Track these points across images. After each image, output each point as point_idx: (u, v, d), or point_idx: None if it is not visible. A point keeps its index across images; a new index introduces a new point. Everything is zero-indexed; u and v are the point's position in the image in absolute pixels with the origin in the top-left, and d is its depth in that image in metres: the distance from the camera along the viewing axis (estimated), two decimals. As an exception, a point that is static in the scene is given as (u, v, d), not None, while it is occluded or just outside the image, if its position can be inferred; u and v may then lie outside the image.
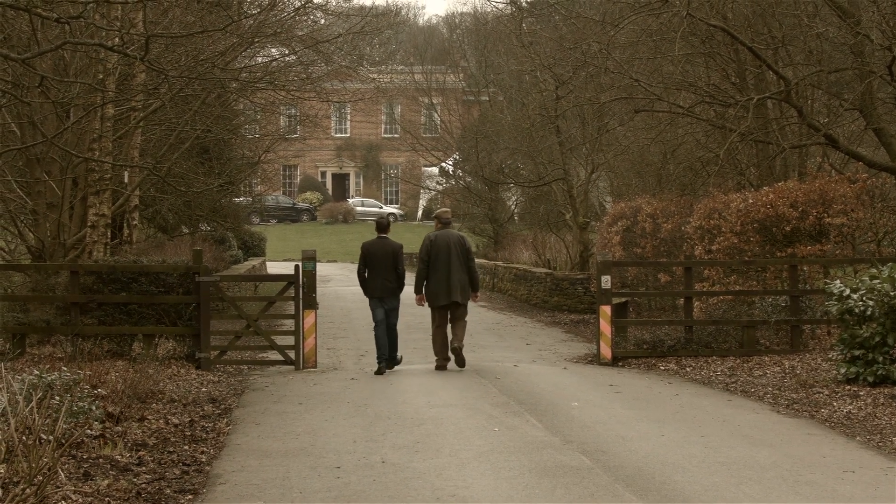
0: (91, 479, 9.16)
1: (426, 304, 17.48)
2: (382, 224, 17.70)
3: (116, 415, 11.61)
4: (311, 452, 10.78)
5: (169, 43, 19.67)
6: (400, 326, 17.69)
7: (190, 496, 9.10)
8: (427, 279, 17.36)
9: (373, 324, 17.43)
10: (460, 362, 17.13)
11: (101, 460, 9.87)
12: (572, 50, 24.00)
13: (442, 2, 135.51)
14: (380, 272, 17.29)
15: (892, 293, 14.13)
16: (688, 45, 20.61)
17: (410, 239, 47.84)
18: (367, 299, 17.73)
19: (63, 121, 19.08)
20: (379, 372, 16.93)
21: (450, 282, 17.22)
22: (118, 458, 10.03)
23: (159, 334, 17.52)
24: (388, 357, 17.19)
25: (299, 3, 24.50)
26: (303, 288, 17.54)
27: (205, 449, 10.94)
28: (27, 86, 17.31)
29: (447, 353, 17.31)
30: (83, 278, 17.45)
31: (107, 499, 8.66)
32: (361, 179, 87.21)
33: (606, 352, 17.78)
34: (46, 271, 18.28)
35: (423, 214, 75.60)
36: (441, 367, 17.24)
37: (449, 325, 17.43)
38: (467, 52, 64.29)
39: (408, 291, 17.74)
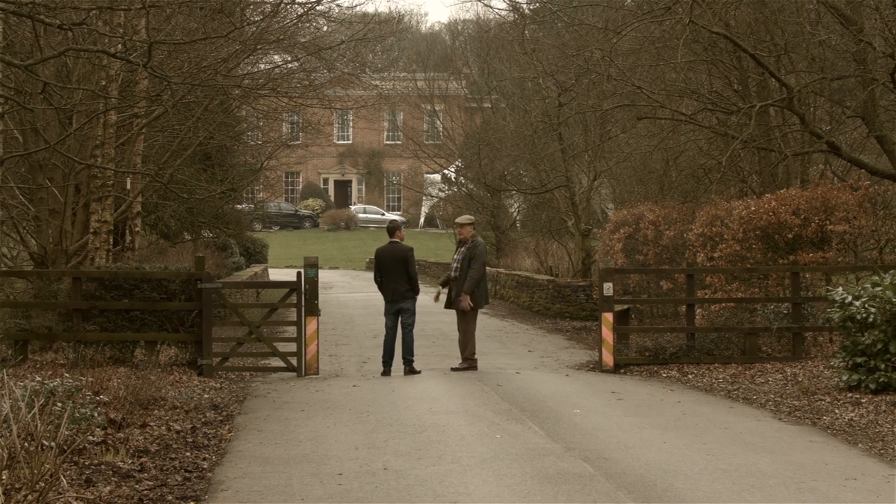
0: (93, 486, 9.16)
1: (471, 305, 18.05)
2: (390, 229, 18.16)
3: (118, 421, 11.60)
4: (313, 459, 10.78)
5: (172, 50, 19.70)
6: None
7: (192, 502, 9.09)
8: (479, 284, 18.00)
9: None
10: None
11: (103, 467, 9.87)
12: (575, 57, 24.02)
13: (444, 9, 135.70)
14: (392, 277, 17.66)
15: (894, 300, 14.13)
16: (690, 53, 20.63)
17: (413, 246, 47.83)
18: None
19: (66, 127, 19.10)
20: (384, 373, 17.45)
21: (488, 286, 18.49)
22: (120, 464, 10.03)
23: (161, 341, 17.53)
24: (405, 360, 17.62)
25: (302, 10, 24.48)
26: (305, 295, 17.57)
27: (207, 455, 10.94)
28: (30, 92, 17.33)
29: None
30: (85, 285, 17.45)
31: (108, 505, 8.66)
32: (364, 186, 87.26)
33: (608, 359, 17.78)
34: (49, 278, 18.29)
35: (425, 221, 75.60)
36: (476, 367, 17.96)
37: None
38: (470, 59, 64.31)
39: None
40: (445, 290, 18.32)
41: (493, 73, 48.01)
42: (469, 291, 17.77)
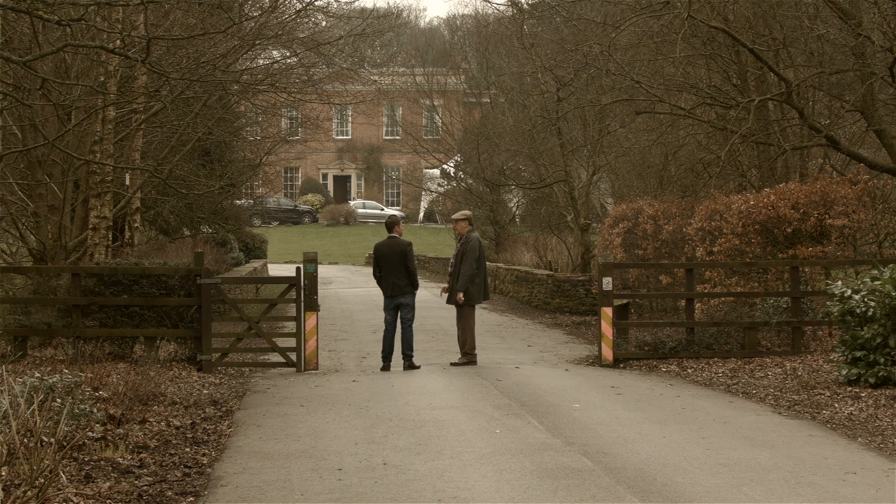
0: (92, 482, 9.17)
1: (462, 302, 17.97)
2: (389, 224, 18.26)
3: (118, 417, 11.61)
4: (312, 454, 10.78)
5: (170, 45, 19.69)
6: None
7: (191, 498, 9.10)
8: (473, 280, 17.91)
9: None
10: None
11: (102, 462, 9.88)
12: (573, 52, 24.00)
13: (443, 4, 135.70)
14: (391, 272, 17.70)
15: (893, 294, 14.14)
16: (689, 47, 20.62)
17: (412, 241, 47.84)
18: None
19: (64, 123, 19.10)
20: (384, 369, 17.50)
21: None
22: (119, 460, 10.04)
23: (161, 336, 17.52)
24: (404, 356, 17.63)
25: (300, 6, 24.50)
26: (304, 290, 17.57)
27: (206, 451, 10.94)
28: (28, 88, 17.32)
29: None
30: (84, 281, 17.44)
31: (108, 501, 8.67)
32: (363, 181, 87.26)
33: (608, 353, 17.78)
34: (48, 274, 18.27)
35: (424, 216, 75.62)
36: (475, 361, 17.93)
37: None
38: (468, 53, 64.32)
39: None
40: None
41: (492, 68, 47.99)
42: (462, 289, 17.76)
